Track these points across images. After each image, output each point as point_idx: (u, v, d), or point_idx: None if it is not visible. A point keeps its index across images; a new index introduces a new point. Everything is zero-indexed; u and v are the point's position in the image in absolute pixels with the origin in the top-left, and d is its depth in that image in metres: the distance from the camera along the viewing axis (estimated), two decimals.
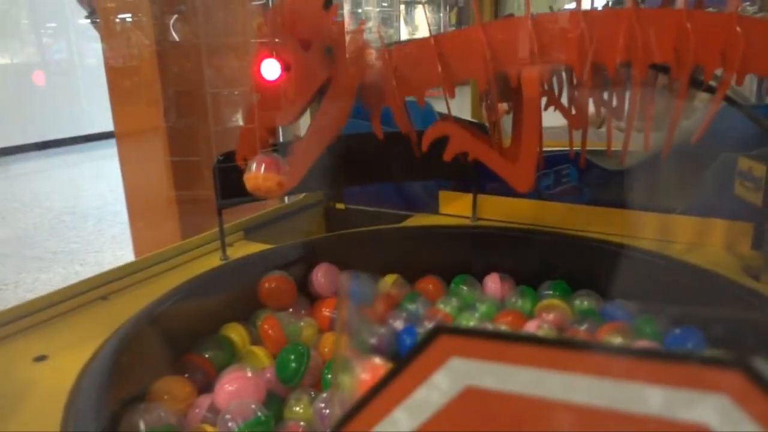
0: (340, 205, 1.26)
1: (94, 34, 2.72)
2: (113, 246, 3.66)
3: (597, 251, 0.97)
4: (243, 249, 1.04)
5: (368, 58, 0.82)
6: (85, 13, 2.74)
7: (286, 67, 0.78)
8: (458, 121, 0.86)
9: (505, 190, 1.12)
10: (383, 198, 1.21)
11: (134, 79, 2.66)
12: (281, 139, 0.90)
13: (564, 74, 0.84)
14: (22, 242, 3.85)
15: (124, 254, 3.40)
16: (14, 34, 7.02)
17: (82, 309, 0.85)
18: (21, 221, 4.31)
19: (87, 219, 4.25)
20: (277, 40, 0.78)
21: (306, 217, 1.23)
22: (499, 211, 1.11)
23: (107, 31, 2.59)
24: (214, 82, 2.69)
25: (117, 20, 2.56)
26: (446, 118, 0.87)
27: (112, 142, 2.66)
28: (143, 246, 2.71)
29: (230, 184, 0.97)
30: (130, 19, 2.57)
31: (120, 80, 2.68)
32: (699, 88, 0.82)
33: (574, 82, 0.82)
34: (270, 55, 0.78)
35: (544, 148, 1.05)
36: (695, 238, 0.97)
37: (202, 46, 2.62)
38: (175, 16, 2.59)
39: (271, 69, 0.78)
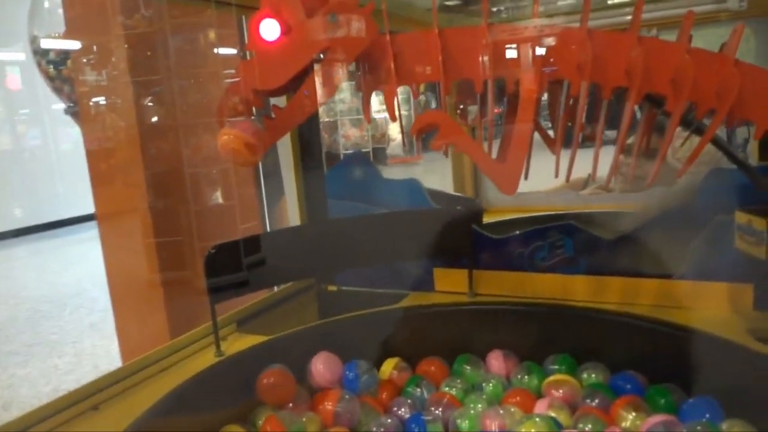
0: (332, 288, 1.23)
1: (68, 119, 2.73)
2: (93, 335, 3.54)
3: (599, 321, 0.96)
4: (237, 342, 1.00)
5: (369, 35, 0.79)
6: (60, 101, 2.75)
7: (285, 30, 0.77)
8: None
9: (499, 263, 1.11)
10: (376, 277, 1.19)
11: (115, 160, 2.65)
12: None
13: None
14: None
15: (105, 343, 3.30)
16: None
17: (74, 422, 0.80)
18: None
19: (64, 307, 4.14)
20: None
21: (298, 302, 1.20)
22: (496, 285, 1.10)
23: (86, 115, 2.59)
24: (193, 161, 2.69)
25: (94, 103, 2.56)
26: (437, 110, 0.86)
27: (87, 226, 2.61)
28: (128, 332, 2.63)
29: (223, 277, 0.95)
30: (107, 102, 2.58)
31: (100, 162, 2.66)
32: (689, 127, 0.84)
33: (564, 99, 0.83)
34: (270, 15, 0.76)
35: (537, 225, 1.05)
36: (696, 302, 0.96)
37: (179, 127, 2.63)
38: (150, 98, 2.61)
39: (270, 29, 0.76)
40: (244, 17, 1.39)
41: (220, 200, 2.81)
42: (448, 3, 1.64)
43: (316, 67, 0.80)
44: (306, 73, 0.80)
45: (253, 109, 0.82)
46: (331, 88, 0.81)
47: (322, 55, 0.80)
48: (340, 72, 0.80)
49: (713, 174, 1.03)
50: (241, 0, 1.20)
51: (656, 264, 0.98)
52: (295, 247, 1.02)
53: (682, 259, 0.97)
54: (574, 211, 1.35)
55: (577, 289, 1.05)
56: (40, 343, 3.53)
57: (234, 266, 0.93)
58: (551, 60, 0.78)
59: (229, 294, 0.95)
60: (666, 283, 0.99)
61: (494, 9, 1.61)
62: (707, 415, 0.79)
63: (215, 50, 2.70)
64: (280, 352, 0.95)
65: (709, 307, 0.96)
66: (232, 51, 2.69)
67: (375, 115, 6.84)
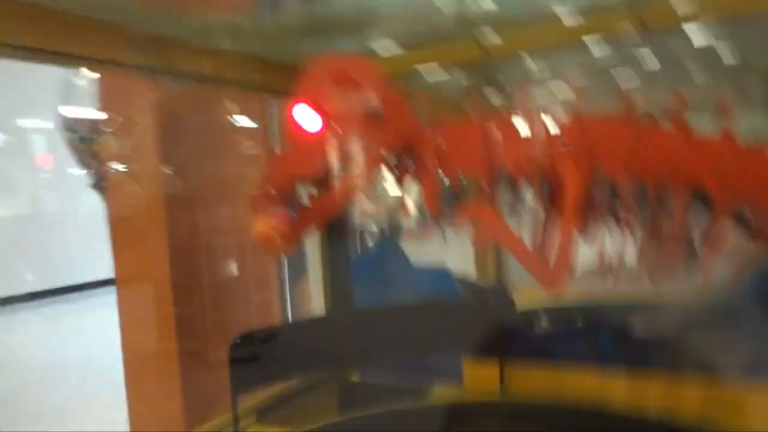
0: (355, 378, 1.18)
1: (87, 184, 2.75)
2: (99, 405, 3.45)
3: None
4: None
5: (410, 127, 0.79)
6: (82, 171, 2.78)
7: (323, 119, 0.76)
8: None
9: (533, 359, 1.06)
10: (401, 368, 1.13)
11: (138, 228, 2.65)
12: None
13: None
14: (0, 405, 3.63)
15: (110, 414, 3.20)
16: (9, 188, 7.14)
17: None
18: (1, 382, 4.11)
19: (71, 376, 4.06)
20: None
21: (320, 392, 1.15)
22: (529, 382, 1.04)
23: (111, 183, 2.62)
24: (210, 232, 2.69)
25: (120, 170, 2.59)
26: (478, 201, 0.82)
27: (101, 291, 2.58)
28: (140, 406, 2.55)
29: (246, 368, 0.90)
30: (132, 171, 2.61)
31: (123, 229, 2.67)
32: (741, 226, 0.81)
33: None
34: (308, 103, 0.76)
35: (572, 318, 1.00)
36: (753, 408, 0.90)
37: (198, 199, 2.64)
38: (172, 167, 2.63)
39: (307, 118, 0.76)
40: (271, 102, 1.40)
41: (235, 272, 2.78)
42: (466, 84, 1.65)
43: (354, 157, 0.79)
44: (345, 163, 0.78)
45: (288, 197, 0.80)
46: (369, 180, 0.80)
47: (360, 146, 0.78)
48: (380, 164, 0.79)
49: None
50: (267, 85, 1.20)
51: (706, 362, 0.93)
52: (321, 338, 0.98)
53: (736, 357, 0.91)
54: (606, 302, 1.30)
55: (616, 390, 0.99)
56: (44, 414, 3.44)
57: (259, 358, 0.89)
58: (599, 155, 0.75)
59: (252, 386, 0.90)
60: (713, 386, 0.93)
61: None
62: None
63: (237, 125, 2.75)
64: None
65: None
66: (253, 125, 2.74)
67: (391, 192, 6.89)
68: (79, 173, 2.94)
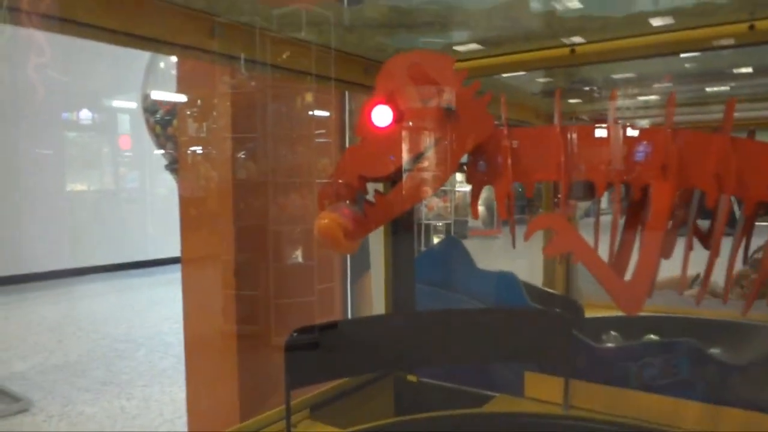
0: (411, 378, 1.16)
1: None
2: (162, 380, 3.57)
3: None
4: None
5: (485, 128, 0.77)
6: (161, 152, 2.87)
7: (398, 117, 0.75)
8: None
9: (600, 375, 1.01)
10: (461, 373, 1.10)
11: (206, 209, 2.72)
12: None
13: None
14: (74, 369, 3.82)
15: (173, 390, 3.31)
16: (95, 164, 7.52)
17: None
18: (76, 347, 4.32)
19: (139, 348, 4.22)
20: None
21: (374, 391, 1.13)
22: (594, 400, 0.99)
23: (184, 164, 2.69)
24: (278, 219, 2.72)
25: (193, 153, 2.66)
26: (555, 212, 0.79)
27: (173, 268, 2.66)
28: (197, 380, 2.62)
29: (302, 361, 0.90)
30: (205, 154, 2.67)
31: (192, 209, 2.74)
32: None
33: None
34: (384, 101, 0.75)
35: (652, 335, 0.95)
36: None
37: (269, 184, 2.68)
38: (245, 153, 2.68)
39: (382, 115, 0.75)
40: (347, 93, 1.40)
41: (300, 259, 2.81)
42: (546, 89, 1.59)
43: (430, 155, 0.77)
44: (418, 161, 0.76)
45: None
46: (441, 179, 0.76)
47: (433, 143, 0.76)
48: (455, 163, 0.76)
49: None
50: (344, 77, 1.19)
51: None
52: (380, 337, 0.96)
53: None
54: (685, 316, 1.23)
55: (689, 417, 0.93)
56: (112, 383, 3.59)
57: (316, 352, 0.88)
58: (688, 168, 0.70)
59: (307, 381, 0.90)
60: None
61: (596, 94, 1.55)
62: None
63: (310, 113, 2.77)
64: None
65: None
66: (325, 114, 2.75)
67: (458, 188, 6.82)
68: (158, 154, 3.06)
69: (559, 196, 0.87)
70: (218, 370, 2.49)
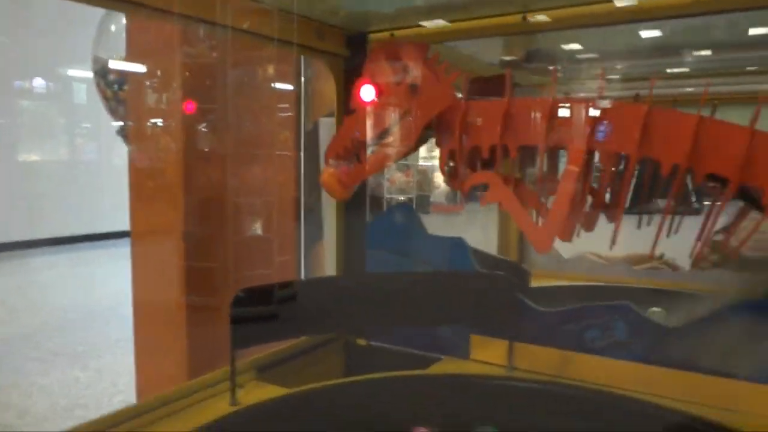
0: (361, 341, 1.17)
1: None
2: (115, 351, 3.53)
3: (656, 419, 0.86)
4: (255, 392, 0.94)
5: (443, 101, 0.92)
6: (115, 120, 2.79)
7: (378, 93, 0.94)
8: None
9: (543, 338, 1.03)
10: (409, 336, 1.12)
11: (157, 181, 2.65)
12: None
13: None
14: (27, 341, 3.74)
15: (126, 361, 3.28)
16: (50, 135, 7.29)
17: None
18: (28, 319, 4.23)
19: (94, 320, 4.16)
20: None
21: (324, 354, 1.14)
22: (537, 361, 1.01)
23: (135, 135, 2.62)
24: (238, 190, 2.68)
25: (144, 124, 2.59)
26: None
27: (129, 241, 2.62)
28: (145, 353, 2.59)
29: (249, 323, 0.89)
30: (157, 125, 2.60)
31: (142, 181, 2.68)
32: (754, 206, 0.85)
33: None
34: (368, 81, 0.94)
35: (588, 299, 0.98)
36: (763, 409, 0.86)
37: (227, 156, 2.63)
38: (203, 125, 2.62)
39: (366, 92, 0.95)
40: (303, 57, 1.48)
41: (260, 232, 2.78)
42: (506, 58, 1.60)
43: (399, 124, 0.94)
44: (391, 128, 0.95)
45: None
46: (409, 144, 0.94)
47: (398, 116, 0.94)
48: (417, 131, 0.93)
49: None
50: (302, 40, 1.17)
51: (721, 361, 0.89)
52: (330, 298, 0.97)
53: (755, 359, 0.87)
54: (631, 286, 1.28)
55: (627, 378, 0.96)
56: (65, 354, 3.53)
57: (262, 313, 0.88)
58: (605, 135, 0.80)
59: (253, 341, 0.89)
60: (729, 383, 0.89)
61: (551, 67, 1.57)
62: None
63: (271, 85, 2.72)
64: (299, 409, 0.88)
65: None
66: (288, 87, 2.70)
67: (422, 162, 6.83)
68: (116, 124, 2.97)
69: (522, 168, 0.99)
70: (166, 338, 2.47)
